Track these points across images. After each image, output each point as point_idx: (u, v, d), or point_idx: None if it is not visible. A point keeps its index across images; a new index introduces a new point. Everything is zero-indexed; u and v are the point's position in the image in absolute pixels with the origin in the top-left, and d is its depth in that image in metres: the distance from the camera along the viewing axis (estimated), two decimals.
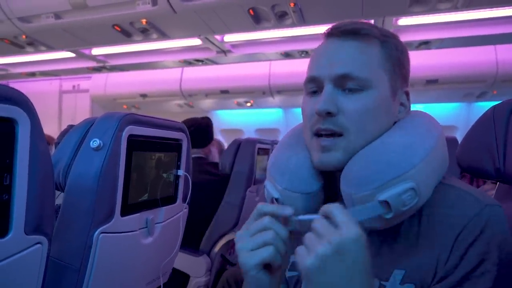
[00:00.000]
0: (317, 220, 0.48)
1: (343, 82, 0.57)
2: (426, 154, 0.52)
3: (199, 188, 1.80)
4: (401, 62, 0.61)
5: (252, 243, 0.50)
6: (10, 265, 0.51)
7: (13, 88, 0.49)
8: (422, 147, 0.53)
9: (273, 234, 0.50)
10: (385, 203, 0.51)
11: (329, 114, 0.56)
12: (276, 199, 0.61)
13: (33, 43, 2.82)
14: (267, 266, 0.51)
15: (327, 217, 0.48)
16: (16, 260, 0.51)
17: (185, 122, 1.97)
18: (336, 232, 0.45)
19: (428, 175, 0.53)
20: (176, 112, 4.69)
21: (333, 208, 0.48)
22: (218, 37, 2.63)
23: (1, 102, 0.47)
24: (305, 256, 0.46)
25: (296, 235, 0.54)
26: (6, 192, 0.49)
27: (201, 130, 2.01)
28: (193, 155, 1.98)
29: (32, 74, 4.09)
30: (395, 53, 0.60)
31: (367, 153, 0.55)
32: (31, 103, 0.52)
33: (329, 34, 0.61)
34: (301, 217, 0.52)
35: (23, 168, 0.51)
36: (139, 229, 0.90)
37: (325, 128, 0.57)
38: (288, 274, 0.65)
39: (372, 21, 2.21)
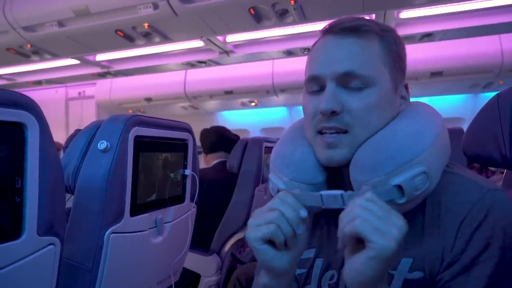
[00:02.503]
0: (367, 196, 0.47)
1: (346, 80, 0.56)
2: (434, 139, 0.53)
3: (219, 186, 1.90)
4: (400, 56, 0.61)
5: (259, 220, 0.52)
6: (24, 266, 0.52)
7: (21, 94, 0.51)
8: (430, 132, 0.54)
9: (277, 214, 0.51)
10: (398, 188, 0.51)
11: (333, 113, 0.56)
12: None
13: (38, 52, 2.85)
14: (272, 243, 0.51)
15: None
16: (30, 261, 0.52)
17: (213, 129, 2.25)
18: (396, 219, 0.45)
19: (437, 160, 0.53)
20: (181, 114, 4.72)
21: (375, 196, 0.48)
22: (220, 38, 2.64)
23: (11, 107, 0.48)
24: (377, 233, 0.44)
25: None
26: (18, 195, 0.50)
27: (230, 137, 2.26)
28: (223, 159, 2.13)
29: (38, 83, 4.14)
30: (394, 47, 0.60)
31: (376, 141, 0.55)
32: (39, 107, 0.53)
33: (327, 31, 0.60)
34: (324, 192, 0.53)
35: (34, 171, 0.52)
36: (149, 228, 0.91)
37: (330, 126, 0.57)
38: (297, 272, 0.65)
39: (373, 15, 2.20)
